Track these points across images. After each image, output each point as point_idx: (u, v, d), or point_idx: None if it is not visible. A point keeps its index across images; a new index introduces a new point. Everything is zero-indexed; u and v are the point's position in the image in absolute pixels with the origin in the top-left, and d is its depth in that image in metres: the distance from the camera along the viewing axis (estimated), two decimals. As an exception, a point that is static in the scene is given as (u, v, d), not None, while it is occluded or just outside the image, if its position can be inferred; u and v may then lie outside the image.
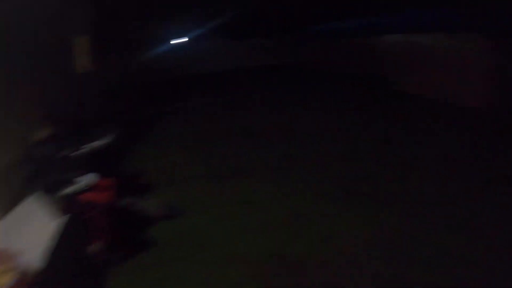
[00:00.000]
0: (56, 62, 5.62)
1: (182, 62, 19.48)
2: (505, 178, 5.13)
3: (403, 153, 6.42)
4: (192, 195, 5.08)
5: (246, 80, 17.40)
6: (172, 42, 19.21)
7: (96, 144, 4.41)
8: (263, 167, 5.99)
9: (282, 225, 4.12)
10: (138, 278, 3.35)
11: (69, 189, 3.48)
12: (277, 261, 3.45)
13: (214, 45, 20.80)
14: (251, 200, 4.79)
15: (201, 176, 5.75)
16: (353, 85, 13.40)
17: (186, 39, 19.87)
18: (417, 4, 12.17)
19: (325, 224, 4.10)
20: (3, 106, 3.61)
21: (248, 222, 4.23)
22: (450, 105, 9.20)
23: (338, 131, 7.95)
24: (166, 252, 3.71)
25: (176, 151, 7.26)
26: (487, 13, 9.91)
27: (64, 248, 3.18)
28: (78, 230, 3.42)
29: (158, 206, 4.33)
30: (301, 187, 5.13)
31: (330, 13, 17.36)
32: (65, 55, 6.28)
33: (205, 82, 17.57)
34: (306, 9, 17.77)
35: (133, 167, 6.41)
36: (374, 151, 6.58)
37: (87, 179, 3.63)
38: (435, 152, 6.43)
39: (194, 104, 11.85)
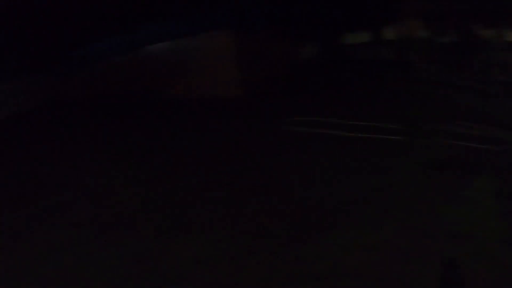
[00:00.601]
0: None
1: None
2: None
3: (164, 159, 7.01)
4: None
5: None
6: None
7: None
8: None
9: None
10: None
11: None
12: None
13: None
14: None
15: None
16: (124, 105, 12.83)
17: None
18: (168, 13, 12.19)
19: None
20: None
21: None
22: (209, 98, 10.24)
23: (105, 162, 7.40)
24: None
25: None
26: (232, 10, 10.65)
27: None
28: None
29: None
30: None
31: (87, 35, 15.32)
32: None
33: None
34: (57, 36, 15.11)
35: None
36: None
37: None
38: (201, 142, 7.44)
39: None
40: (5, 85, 15.94)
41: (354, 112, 8.00)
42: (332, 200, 4.68)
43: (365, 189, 4.91)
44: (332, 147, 6.37)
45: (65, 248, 4.19)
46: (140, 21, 13.27)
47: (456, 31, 13.17)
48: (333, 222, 4.15)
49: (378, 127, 6.89)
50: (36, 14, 12.64)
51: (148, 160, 7.16)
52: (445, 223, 4.01)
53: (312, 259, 3.46)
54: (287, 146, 6.62)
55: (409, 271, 3.18)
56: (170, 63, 12.06)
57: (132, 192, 5.70)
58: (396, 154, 5.97)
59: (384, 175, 5.28)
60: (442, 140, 6.47)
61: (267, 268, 3.39)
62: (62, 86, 18.21)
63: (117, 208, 5.17)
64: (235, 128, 8.06)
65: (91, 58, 16.02)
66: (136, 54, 13.54)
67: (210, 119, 8.94)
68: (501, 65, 11.61)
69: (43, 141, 10.34)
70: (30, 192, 6.25)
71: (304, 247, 3.67)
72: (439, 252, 3.43)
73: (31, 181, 6.96)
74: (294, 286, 3.10)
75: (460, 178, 5.16)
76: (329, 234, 3.87)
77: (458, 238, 3.62)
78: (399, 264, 3.30)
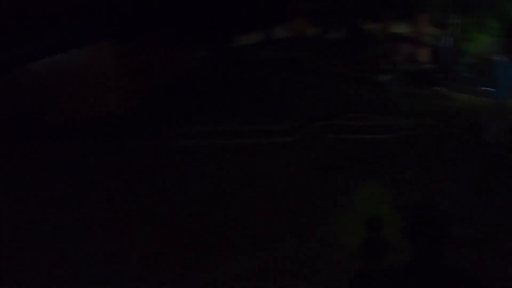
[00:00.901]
0: None
1: None
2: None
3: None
4: None
5: None
6: None
7: None
8: None
9: None
10: None
11: None
12: None
13: None
14: None
15: None
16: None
17: None
18: (43, 27, 10.51)
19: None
20: None
21: None
22: (91, 118, 8.91)
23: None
24: None
25: None
26: (114, 19, 9.60)
27: None
28: None
29: None
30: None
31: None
32: None
33: None
34: None
35: None
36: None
37: None
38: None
39: None
40: None
41: (247, 116, 7.40)
42: (218, 220, 4.08)
43: (254, 203, 4.42)
44: (220, 158, 5.69)
45: None
46: (15, 38, 11.52)
47: (343, 27, 13.64)
48: (219, 247, 3.60)
49: (271, 130, 6.41)
50: None
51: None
52: (343, 226, 3.83)
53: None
54: (172, 163, 5.75)
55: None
56: (47, 82, 10.51)
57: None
58: (286, 158, 5.60)
59: (274, 183, 4.86)
60: (334, 135, 6.22)
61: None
62: None
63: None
64: (116, 149, 7.01)
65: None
66: (8, 75, 11.80)
67: (89, 141, 7.73)
68: (386, 55, 12.24)
69: None
70: None
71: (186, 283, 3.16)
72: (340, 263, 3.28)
73: None
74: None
75: (353, 174, 4.91)
76: (214, 263, 3.34)
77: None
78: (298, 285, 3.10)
